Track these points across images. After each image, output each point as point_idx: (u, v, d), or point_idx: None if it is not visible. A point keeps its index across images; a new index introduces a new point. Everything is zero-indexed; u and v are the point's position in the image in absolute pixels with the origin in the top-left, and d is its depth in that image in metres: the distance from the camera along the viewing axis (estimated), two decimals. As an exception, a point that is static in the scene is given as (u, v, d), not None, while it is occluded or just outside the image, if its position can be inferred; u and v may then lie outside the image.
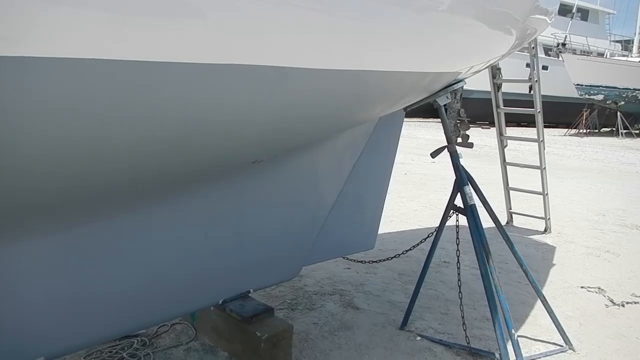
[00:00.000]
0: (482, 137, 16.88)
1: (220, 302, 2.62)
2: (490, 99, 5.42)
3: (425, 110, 3.07)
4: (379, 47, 1.82)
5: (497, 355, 2.75)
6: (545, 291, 3.45)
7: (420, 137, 16.95)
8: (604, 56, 26.80)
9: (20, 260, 1.77)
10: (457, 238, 3.03)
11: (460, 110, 3.74)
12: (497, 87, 5.24)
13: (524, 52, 5.22)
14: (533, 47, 4.96)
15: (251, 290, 2.73)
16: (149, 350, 2.76)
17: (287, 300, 3.51)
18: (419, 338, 3.07)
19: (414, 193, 7.65)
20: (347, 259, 3.69)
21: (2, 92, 1.10)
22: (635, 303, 3.78)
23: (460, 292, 2.96)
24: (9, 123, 1.17)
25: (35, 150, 1.30)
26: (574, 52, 22.51)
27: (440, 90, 2.86)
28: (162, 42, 1.25)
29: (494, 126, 5.67)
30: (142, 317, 2.26)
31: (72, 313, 1.96)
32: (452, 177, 2.98)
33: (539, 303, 3.51)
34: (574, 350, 2.99)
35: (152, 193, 2.01)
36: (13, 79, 1.08)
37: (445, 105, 3.08)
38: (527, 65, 5.31)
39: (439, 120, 3.17)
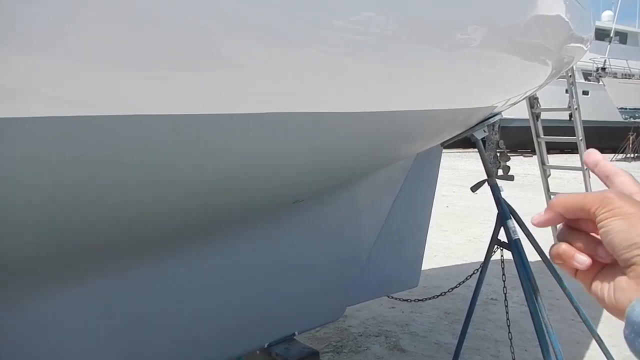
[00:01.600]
0: (524, 165, 16.51)
1: (266, 345, 2.61)
2: (529, 127, 5.33)
3: (465, 140, 3.04)
4: (412, 87, 1.85)
5: (553, 399, 2.62)
6: (600, 330, 3.28)
7: (461, 167, 16.72)
8: (647, 78, 26.09)
9: (74, 302, 1.83)
10: (503, 274, 2.95)
11: (500, 142, 3.71)
12: (535, 116, 5.16)
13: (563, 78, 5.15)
14: (570, 75, 4.89)
15: (296, 333, 2.71)
16: (195, 396, 2.76)
17: (332, 342, 3.47)
18: (469, 381, 2.96)
19: (457, 226, 7.51)
20: (392, 297, 3.63)
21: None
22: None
23: (509, 332, 2.85)
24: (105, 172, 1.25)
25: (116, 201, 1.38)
26: (614, 75, 22.00)
27: (476, 125, 2.84)
28: (202, 95, 1.31)
29: (536, 154, 5.56)
30: (190, 359, 2.28)
31: (123, 355, 2.00)
32: (495, 208, 2.93)
33: (593, 343, 3.34)
34: (636, 392, 2.81)
35: (197, 236, 2.06)
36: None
37: (483, 137, 3.06)
38: (567, 91, 5.22)
39: (479, 150, 3.13)
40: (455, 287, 3.46)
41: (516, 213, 2.92)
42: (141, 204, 1.53)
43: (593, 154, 0.64)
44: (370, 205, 2.92)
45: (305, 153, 1.77)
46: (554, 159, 5.73)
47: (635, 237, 0.49)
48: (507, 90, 2.57)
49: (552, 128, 5.59)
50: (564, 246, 0.57)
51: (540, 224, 0.60)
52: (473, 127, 2.84)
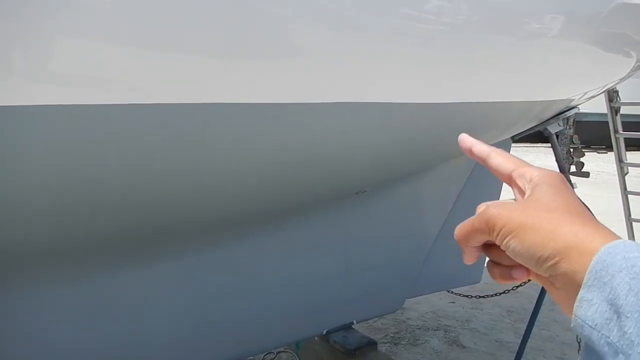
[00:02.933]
0: (598, 162, 15.65)
1: (324, 332, 2.64)
2: (606, 122, 5.03)
3: (534, 134, 2.93)
4: (485, 79, 1.79)
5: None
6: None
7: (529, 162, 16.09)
8: None
9: (142, 284, 1.92)
10: (574, 274, 2.82)
11: (574, 137, 3.54)
12: (614, 110, 4.87)
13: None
14: (656, 67, 4.57)
15: (354, 322, 2.73)
16: (256, 377, 2.84)
17: (389, 333, 3.46)
18: (532, 382, 2.87)
19: (523, 223, 7.25)
20: (452, 292, 3.57)
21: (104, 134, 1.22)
22: None
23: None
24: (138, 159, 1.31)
25: (183, 183, 1.43)
26: None
27: (551, 118, 2.72)
28: (275, 85, 1.33)
29: (611, 150, 5.24)
30: (250, 344, 2.35)
31: (188, 338, 2.08)
32: (565, 206, 2.80)
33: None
34: None
35: (262, 223, 2.10)
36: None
37: (556, 132, 2.92)
38: (652, 84, 4.89)
39: (549, 144, 3.01)
40: (520, 285, 3.35)
41: (590, 211, 2.79)
42: (210, 190, 1.58)
43: (464, 139, 0.62)
44: (434, 199, 2.87)
45: (372, 143, 1.76)
46: (632, 157, 5.40)
47: (534, 252, 0.46)
48: (586, 83, 2.44)
49: (631, 124, 5.26)
50: (496, 270, 0.53)
51: (469, 262, 0.56)
52: (547, 120, 2.72)
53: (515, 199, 0.56)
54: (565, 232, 0.45)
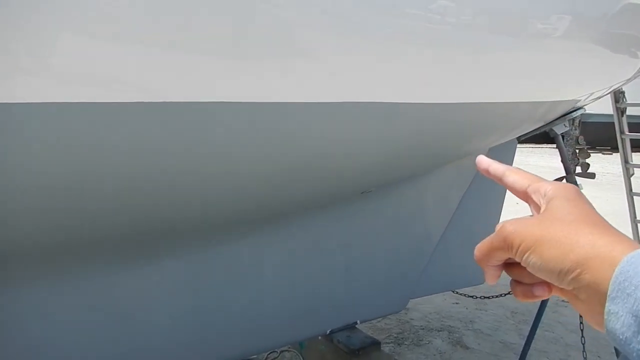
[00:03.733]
0: (603, 163, 15.59)
1: (328, 332, 2.64)
2: (611, 122, 5.00)
3: (538, 135, 2.92)
4: (490, 79, 1.79)
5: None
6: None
7: (533, 164, 16.03)
8: None
9: (146, 284, 1.92)
10: (579, 276, 2.81)
11: (579, 138, 3.53)
12: (620, 111, 4.84)
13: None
14: (663, 68, 4.55)
15: (358, 322, 2.73)
16: (259, 376, 2.84)
17: (393, 334, 3.46)
18: (536, 384, 2.86)
19: (527, 224, 7.23)
20: (456, 293, 3.56)
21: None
22: None
23: (582, 336, 2.73)
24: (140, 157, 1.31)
25: (189, 183, 1.44)
26: None
27: (557, 119, 2.71)
28: (279, 84, 1.33)
29: (616, 152, 5.22)
30: (254, 343, 2.35)
31: (192, 336, 2.09)
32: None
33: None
34: None
35: (266, 223, 2.10)
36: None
37: (562, 133, 2.91)
38: (656, 86, 4.86)
39: (554, 145, 3.00)
40: (525, 286, 3.35)
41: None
42: (215, 190, 1.58)
43: (481, 160, 0.63)
44: (438, 199, 2.86)
45: (377, 143, 1.76)
46: (637, 158, 5.37)
47: (555, 266, 0.45)
48: (592, 84, 2.43)
49: (636, 124, 5.23)
50: (518, 289, 0.54)
51: (491, 281, 0.56)
52: (553, 121, 2.72)
53: (532, 215, 0.56)
54: (584, 242, 0.45)
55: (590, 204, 0.52)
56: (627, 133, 4.97)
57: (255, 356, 3.00)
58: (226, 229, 1.98)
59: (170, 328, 2.01)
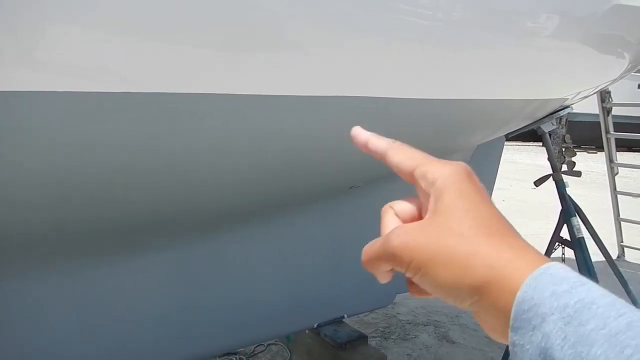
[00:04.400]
0: (587, 162, 15.75)
1: (315, 326, 2.66)
2: (596, 122, 5.08)
3: (525, 133, 2.94)
4: (481, 76, 1.80)
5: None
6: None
7: (520, 161, 16.18)
8: None
9: (133, 277, 1.91)
10: (563, 272, 2.85)
11: (566, 136, 3.56)
12: (606, 111, 4.91)
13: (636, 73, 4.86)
14: (648, 69, 4.61)
15: (345, 316, 2.74)
16: (246, 369, 2.85)
17: (380, 328, 3.48)
18: (519, 378, 2.90)
19: (513, 221, 7.11)
20: (443, 288, 3.59)
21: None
22: None
23: (566, 330, 2.77)
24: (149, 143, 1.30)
25: (181, 175, 1.43)
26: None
27: (545, 117, 2.74)
28: (273, 76, 1.33)
29: (601, 150, 5.30)
30: (241, 336, 2.35)
31: (179, 329, 2.08)
32: (554, 204, 2.83)
33: (657, 347, 3.21)
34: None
35: (254, 216, 2.10)
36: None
37: (549, 131, 2.95)
38: (640, 86, 4.92)
39: (540, 144, 3.02)
40: (510, 282, 3.40)
41: (581, 210, 2.82)
42: (199, 183, 1.57)
43: (358, 133, 0.54)
44: (426, 195, 2.88)
45: (367, 138, 1.76)
46: (621, 157, 5.45)
47: (450, 292, 0.40)
48: (580, 83, 2.46)
49: (620, 125, 5.31)
50: (413, 287, 0.47)
51: (383, 281, 0.49)
52: (541, 119, 2.75)
53: (421, 205, 0.48)
54: (481, 264, 0.39)
55: (485, 194, 0.46)
56: (612, 132, 5.05)
57: (242, 349, 3.01)
58: (213, 223, 1.98)
59: (157, 321, 2.01)
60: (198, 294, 2.11)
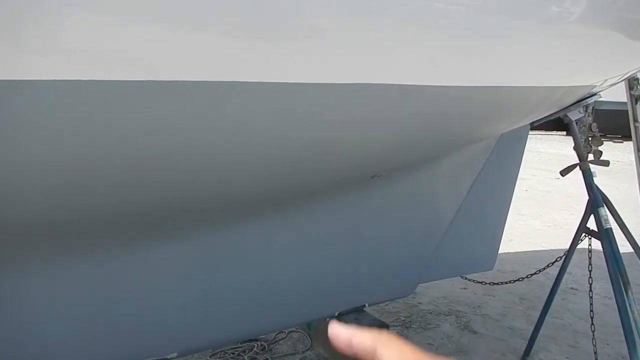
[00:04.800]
0: (613, 152, 15.37)
1: (336, 314, 2.66)
2: (622, 110, 4.94)
3: (549, 122, 2.88)
4: (505, 62, 1.77)
5: (635, 397, 2.49)
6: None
7: (543, 151, 15.92)
8: None
9: (159, 264, 1.94)
10: (590, 264, 2.80)
11: (592, 125, 3.49)
12: (635, 99, 4.77)
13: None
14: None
15: (366, 305, 2.74)
16: (267, 356, 2.88)
17: (401, 317, 3.48)
18: (543, 369, 2.87)
19: (536, 211, 7.20)
20: (465, 278, 3.57)
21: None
22: None
23: (592, 324, 2.72)
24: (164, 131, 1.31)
25: (194, 163, 1.44)
26: None
27: (571, 105, 2.68)
28: (292, 64, 1.32)
29: (627, 140, 5.16)
30: (262, 323, 2.37)
31: (203, 316, 2.11)
32: (579, 194, 2.78)
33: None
34: None
35: (276, 206, 2.11)
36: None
37: (576, 119, 2.89)
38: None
39: (564, 133, 2.96)
40: (535, 273, 3.35)
41: (609, 200, 2.77)
42: (223, 172, 1.57)
43: (336, 330, 0.51)
44: (449, 184, 2.85)
45: (389, 126, 1.75)
46: (649, 147, 5.30)
47: None
48: (608, 69, 2.40)
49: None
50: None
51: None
52: (568, 107, 2.69)
53: None
54: None
55: None
56: (641, 121, 4.91)
57: (263, 336, 3.04)
58: (236, 211, 1.99)
59: (180, 309, 2.04)
60: (220, 283, 2.13)
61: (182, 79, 1.17)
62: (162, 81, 1.14)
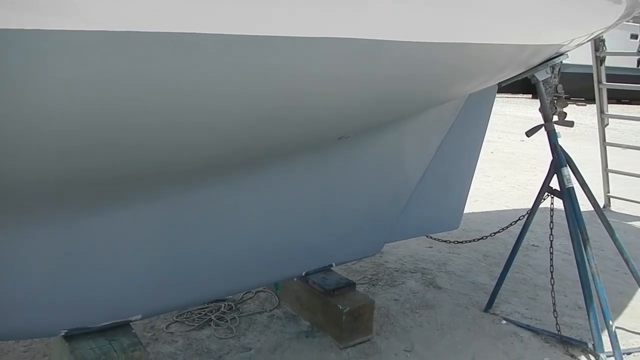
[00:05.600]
0: (577, 114, 15.70)
1: (304, 274, 2.67)
2: (586, 74, 5.01)
3: (515, 85, 2.89)
4: (476, 18, 1.74)
5: (590, 345, 2.61)
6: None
7: (509, 114, 16.15)
8: None
9: (123, 225, 1.89)
10: (552, 222, 2.87)
11: (558, 86, 3.51)
12: (600, 60, 4.84)
13: (629, 22, 4.77)
14: (644, 17, 4.53)
15: (333, 264, 2.76)
16: (235, 315, 2.88)
17: (367, 275, 3.53)
18: (504, 322, 2.97)
19: (501, 172, 7.34)
20: (430, 237, 3.62)
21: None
22: None
23: (552, 277, 2.82)
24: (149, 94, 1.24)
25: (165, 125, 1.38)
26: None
27: (539, 65, 2.69)
28: (259, 16, 1.26)
29: (590, 103, 5.26)
30: (230, 283, 2.36)
31: (168, 277, 2.08)
32: (542, 156, 2.82)
33: (638, 294, 3.30)
34: (677, 346, 2.77)
35: (243, 165, 2.06)
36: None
37: (542, 80, 2.90)
38: (633, 36, 4.84)
39: (529, 96, 2.99)
40: (498, 231, 3.42)
41: (572, 161, 2.82)
42: (188, 129, 1.52)
43: None
44: (417, 145, 2.85)
45: (357, 83, 1.71)
46: (610, 110, 5.42)
47: None
48: (575, 28, 2.40)
49: (611, 76, 5.24)
50: None
51: None
52: (535, 67, 2.69)
53: None
54: None
55: None
56: (605, 82, 5.00)
57: (230, 296, 3.04)
58: (202, 172, 1.94)
59: (147, 269, 2.00)
60: (187, 243, 2.10)
61: (140, 30, 1.10)
62: (122, 32, 1.08)
